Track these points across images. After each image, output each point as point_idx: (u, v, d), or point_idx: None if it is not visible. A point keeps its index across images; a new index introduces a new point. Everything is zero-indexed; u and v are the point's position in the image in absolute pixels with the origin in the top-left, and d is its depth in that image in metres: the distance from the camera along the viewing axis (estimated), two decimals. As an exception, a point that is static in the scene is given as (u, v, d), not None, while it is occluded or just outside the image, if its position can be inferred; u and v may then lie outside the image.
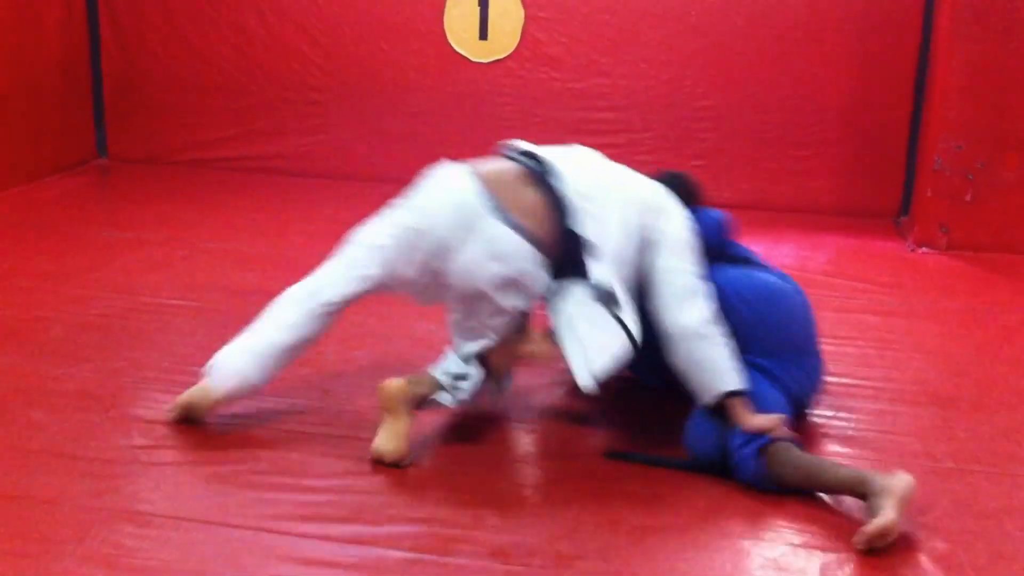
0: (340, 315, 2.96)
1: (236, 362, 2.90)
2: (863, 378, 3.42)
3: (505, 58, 6.26)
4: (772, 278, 3.09)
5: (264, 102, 6.51)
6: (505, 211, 2.77)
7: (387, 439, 2.75)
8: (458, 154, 6.31)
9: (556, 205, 2.80)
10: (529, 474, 2.79)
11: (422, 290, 2.92)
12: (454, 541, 2.40)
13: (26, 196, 5.64)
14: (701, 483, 2.71)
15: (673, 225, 2.92)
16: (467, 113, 6.35)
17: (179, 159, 6.58)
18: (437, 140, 6.40)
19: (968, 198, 5.20)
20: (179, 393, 3.07)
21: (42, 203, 5.55)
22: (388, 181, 6.37)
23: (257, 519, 2.46)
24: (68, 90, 6.34)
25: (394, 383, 2.78)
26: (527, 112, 6.29)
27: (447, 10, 6.22)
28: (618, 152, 6.15)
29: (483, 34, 6.23)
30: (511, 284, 2.75)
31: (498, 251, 2.73)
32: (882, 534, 2.40)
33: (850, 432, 3.04)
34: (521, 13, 6.17)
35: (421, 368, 2.96)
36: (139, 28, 6.51)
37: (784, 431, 2.71)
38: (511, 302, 2.79)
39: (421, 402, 2.83)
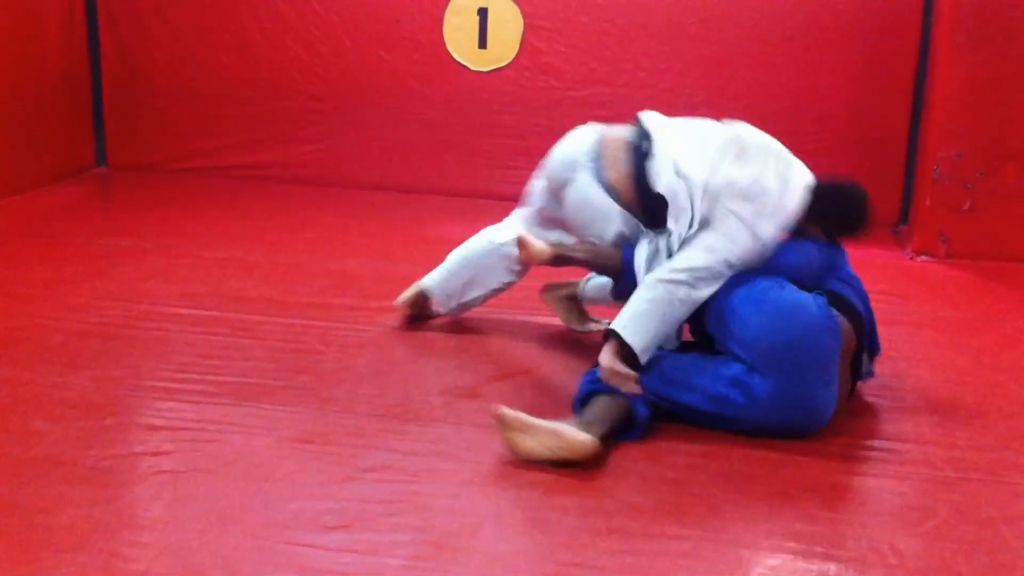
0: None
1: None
2: (862, 386, 3.42)
3: (505, 67, 6.27)
4: (801, 296, 3.04)
5: (264, 110, 6.52)
6: (600, 169, 3.38)
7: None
8: (458, 163, 6.38)
9: (642, 172, 3.29)
10: (526, 482, 2.78)
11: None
12: (453, 550, 2.40)
13: (26, 204, 5.65)
14: (698, 489, 2.70)
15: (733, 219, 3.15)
16: (467, 122, 6.35)
17: (178, 168, 6.59)
18: (437, 148, 6.41)
19: (967, 207, 5.20)
20: (179, 401, 3.09)
21: (42, 212, 5.56)
22: (388, 189, 6.43)
23: (255, 527, 2.46)
24: (68, 99, 6.34)
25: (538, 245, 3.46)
26: (527, 121, 6.30)
27: (446, 19, 6.23)
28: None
29: (482, 43, 6.24)
30: (591, 222, 3.37)
31: (583, 197, 3.36)
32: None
33: (850, 440, 3.04)
34: (520, 22, 6.18)
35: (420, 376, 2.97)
36: (139, 37, 6.52)
37: (630, 388, 2.98)
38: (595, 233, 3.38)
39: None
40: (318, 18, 6.35)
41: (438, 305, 3.90)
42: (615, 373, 2.99)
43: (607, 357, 3.03)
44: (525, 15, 6.17)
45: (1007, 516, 2.62)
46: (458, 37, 6.26)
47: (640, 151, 3.35)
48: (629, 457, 2.88)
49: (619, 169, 3.36)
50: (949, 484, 2.79)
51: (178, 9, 6.45)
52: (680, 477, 2.79)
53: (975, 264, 5.12)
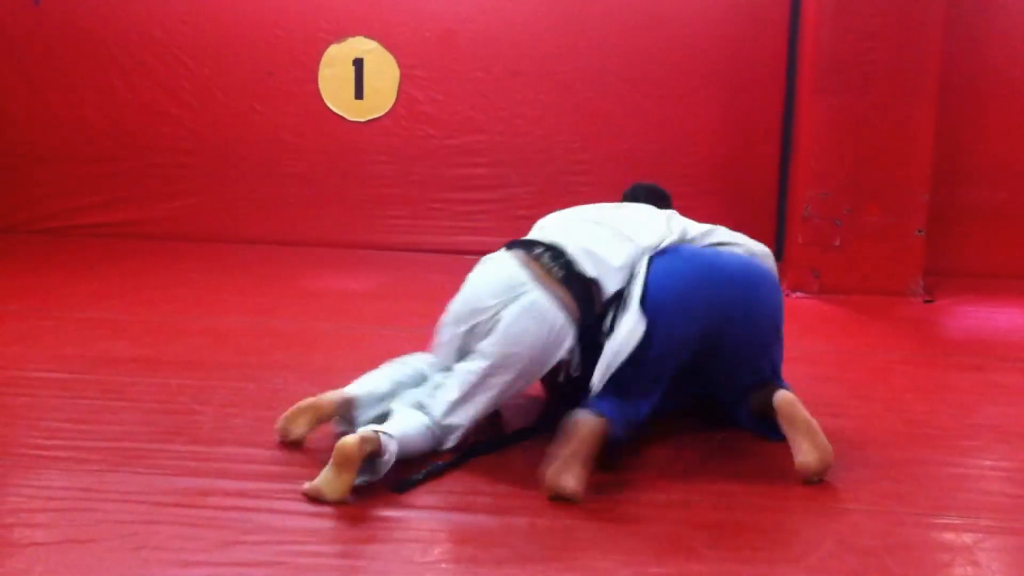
0: None
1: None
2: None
3: (382, 117, 6.26)
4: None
5: (131, 167, 6.38)
6: (541, 282, 3.09)
7: (332, 487, 2.75)
8: (334, 214, 6.32)
9: (574, 278, 3.11)
10: (412, 538, 2.73)
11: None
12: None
13: None
14: (584, 532, 2.69)
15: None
16: (344, 173, 6.32)
17: (41, 228, 6.39)
18: (313, 201, 6.35)
19: (837, 243, 5.36)
20: (49, 469, 2.95)
21: None
22: (263, 242, 6.33)
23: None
24: (-76, 159, 6.11)
25: (351, 441, 2.75)
26: (405, 170, 6.30)
27: (320, 70, 6.20)
28: (497, 206, 6.26)
29: (359, 93, 6.23)
30: (546, 345, 3.06)
31: (537, 313, 3.04)
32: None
33: (733, 476, 3.06)
34: (396, 72, 6.19)
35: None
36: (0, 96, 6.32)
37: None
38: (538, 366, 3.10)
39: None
40: (187, 71, 6.25)
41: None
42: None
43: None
44: (401, 65, 6.18)
45: (889, 545, 2.66)
46: (334, 88, 6.24)
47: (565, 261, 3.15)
48: (521, 503, 2.85)
49: (555, 282, 3.11)
50: (832, 515, 2.83)
51: (38, 64, 6.28)
52: (557, 524, 2.77)
53: (846, 299, 5.27)
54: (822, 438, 2.99)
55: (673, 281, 3.15)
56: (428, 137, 6.27)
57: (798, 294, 5.35)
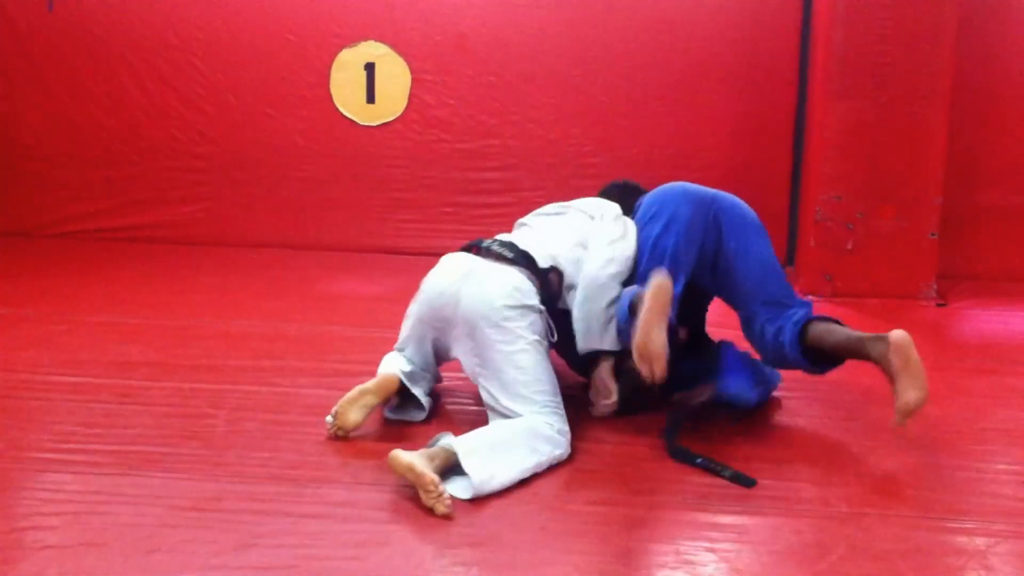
0: None
1: None
2: (753, 424, 3.46)
3: (393, 121, 6.27)
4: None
5: (145, 171, 6.40)
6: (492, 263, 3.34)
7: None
8: (347, 218, 6.33)
9: (519, 254, 3.38)
10: (426, 541, 2.73)
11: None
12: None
13: None
14: (597, 534, 2.69)
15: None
16: (356, 177, 6.33)
17: (56, 232, 6.42)
18: (325, 205, 6.37)
19: (849, 247, 5.35)
20: (63, 473, 2.96)
21: (-88, 280, 5.34)
22: (277, 246, 6.35)
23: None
24: (-61, 164, 6.14)
25: (402, 457, 2.82)
26: (417, 174, 6.31)
27: (332, 74, 6.22)
28: (509, 210, 6.25)
29: (370, 97, 6.24)
30: (518, 294, 3.23)
31: (491, 275, 3.27)
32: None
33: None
34: (408, 76, 6.20)
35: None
36: (14, 101, 6.37)
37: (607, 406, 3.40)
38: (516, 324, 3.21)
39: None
40: (201, 76, 6.28)
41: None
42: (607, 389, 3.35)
43: (606, 373, 3.37)
44: (412, 69, 6.20)
45: (902, 550, 2.65)
46: (345, 92, 6.25)
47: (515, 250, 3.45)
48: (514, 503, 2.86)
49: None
50: (844, 520, 2.82)
51: (54, 70, 6.32)
52: (564, 527, 2.77)
53: (860, 301, 5.26)
54: (926, 380, 3.14)
55: (667, 187, 3.60)
56: (440, 141, 6.28)
57: (811, 297, 5.34)
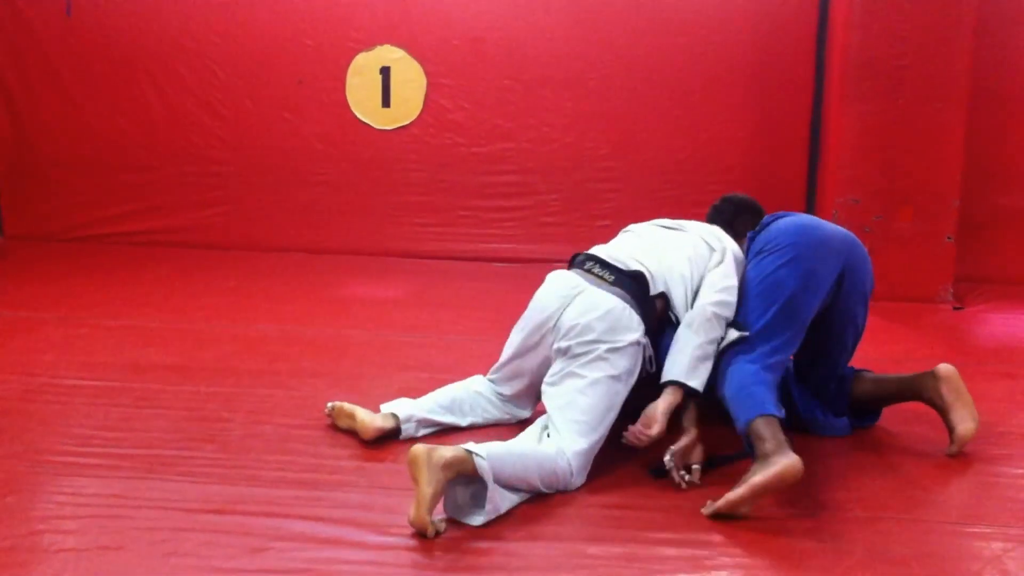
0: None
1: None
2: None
3: (409, 125, 6.29)
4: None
5: (164, 176, 6.43)
6: (596, 284, 3.23)
7: (413, 506, 2.67)
8: (364, 222, 6.34)
9: (625, 276, 3.24)
10: (442, 545, 2.74)
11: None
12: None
13: (-84, 278, 5.46)
14: (606, 538, 2.68)
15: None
16: (372, 181, 6.35)
17: (76, 236, 6.45)
18: (341, 209, 6.38)
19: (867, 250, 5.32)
20: (81, 476, 2.98)
21: (-66, 285, 5.38)
22: (294, 250, 6.36)
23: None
24: (-39, 169, 6.19)
25: (420, 449, 2.68)
26: (433, 178, 6.32)
27: (348, 79, 6.24)
28: (525, 214, 6.28)
29: (386, 102, 6.26)
30: (613, 327, 3.11)
31: (592, 302, 3.16)
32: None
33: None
34: (423, 80, 6.22)
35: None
36: (34, 106, 6.41)
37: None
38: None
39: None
40: (218, 80, 6.31)
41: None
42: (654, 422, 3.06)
43: (663, 409, 3.07)
44: (428, 73, 6.21)
45: (919, 554, 2.65)
46: (361, 96, 6.27)
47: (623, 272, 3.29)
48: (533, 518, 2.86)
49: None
50: (862, 524, 2.82)
51: (72, 75, 6.35)
52: (577, 532, 2.77)
53: (876, 305, 5.20)
54: (975, 409, 3.29)
55: (809, 228, 3.34)
56: (456, 145, 6.29)
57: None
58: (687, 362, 3.10)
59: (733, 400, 3.03)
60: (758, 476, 2.75)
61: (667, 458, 2.99)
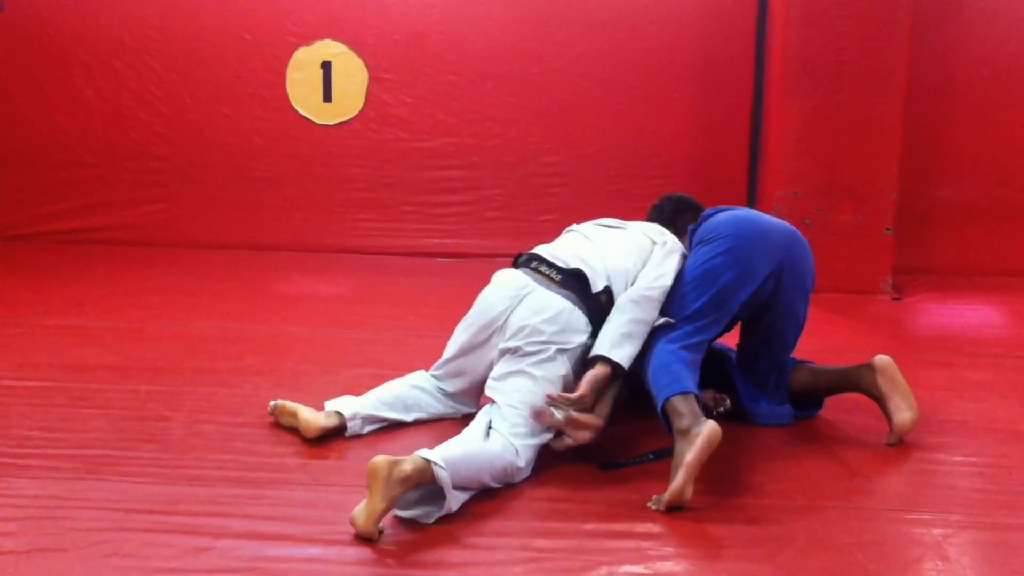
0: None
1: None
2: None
3: (351, 120, 6.25)
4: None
5: (101, 173, 6.33)
6: (543, 284, 3.26)
7: (360, 512, 2.62)
8: (306, 218, 6.29)
9: (570, 275, 3.28)
10: (386, 541, 2.72)
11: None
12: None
13: None
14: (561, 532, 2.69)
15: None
16: (314, 176, 6.30)
17: (10, 235, 6.33)
18: (283, 205, 6.33)
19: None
20: (19, 478, 2.92)
21: None
22: (235, 247, 6.30)
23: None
24: None
25: (381, 462, 2.62)
26: (377, 173, 6.29)
27: (289, 73, 6.18)
28: (469, 209, 6.27)
29: (327, 97, 6.21)
30: (563, 328, 3.16)
31: (541, 302, 3.20)
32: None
33: (704, 476, 3.07)
34: (365, 74, 6.18)
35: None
36: (-34, 100, 6.27)
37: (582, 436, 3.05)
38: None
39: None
40: (156, 76, 6.22)
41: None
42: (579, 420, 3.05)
43: (588, 379, 3.08)
44: (369, 67, 6.17)
45: (860, 541, 2.68)
46: (302, 92, 6.22)
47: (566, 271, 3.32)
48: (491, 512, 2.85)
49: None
50: (803, 512, 2.84)
51: (7, 70, 6.23)
52: (527, 526, 2.77)
53: (816, 297, 5.26)
54: (914, 399, 3.34)
55: (748, 221, 3.41)
56: (399, 140, 6.26)
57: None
58: (611, 338, 3.16)
59: (652, 379, 3.10)
60: (689, 455, 2.80)
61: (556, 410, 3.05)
